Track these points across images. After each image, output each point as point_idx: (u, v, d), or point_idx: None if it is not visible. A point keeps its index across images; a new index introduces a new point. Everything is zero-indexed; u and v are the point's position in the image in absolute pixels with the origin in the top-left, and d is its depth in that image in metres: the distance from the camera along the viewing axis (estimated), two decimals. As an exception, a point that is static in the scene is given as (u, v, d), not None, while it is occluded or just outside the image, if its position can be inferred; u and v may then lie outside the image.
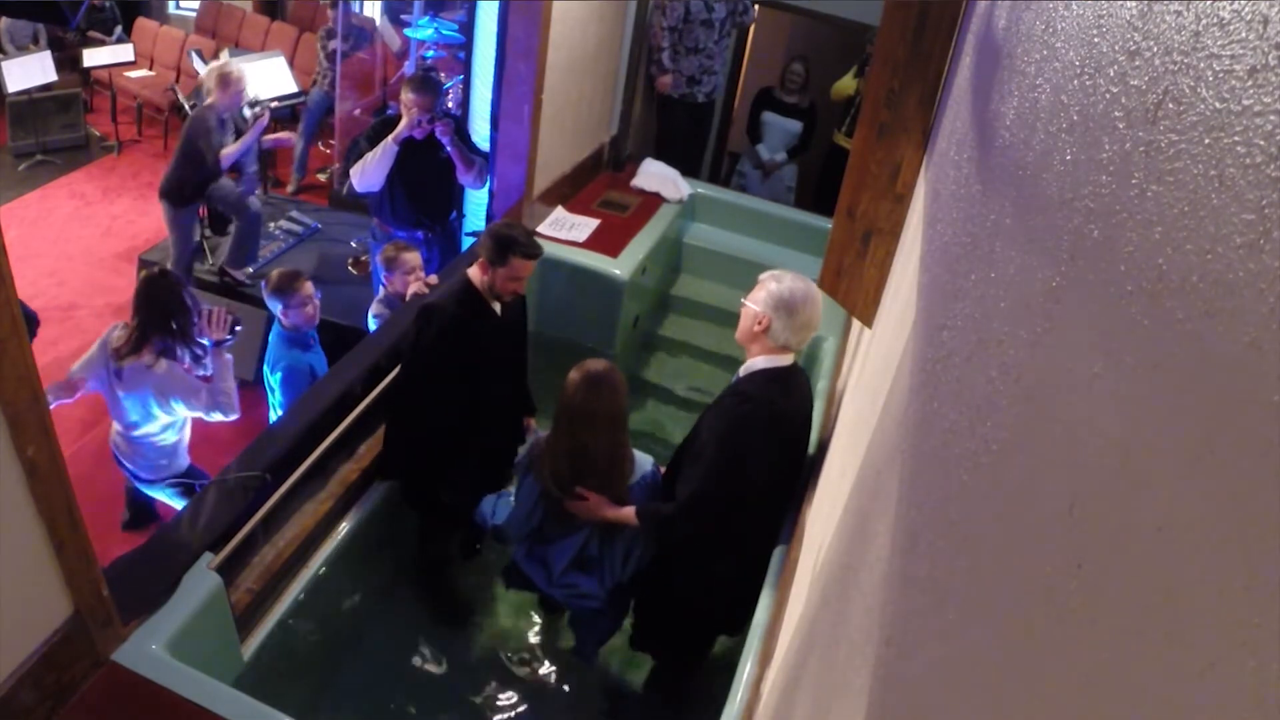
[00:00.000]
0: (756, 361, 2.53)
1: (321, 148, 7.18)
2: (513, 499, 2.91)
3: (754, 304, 2.53)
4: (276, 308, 3.33)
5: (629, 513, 2.57)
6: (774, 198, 5.69)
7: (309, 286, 3.34)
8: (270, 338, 3.44)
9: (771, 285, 2.51)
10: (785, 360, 2.53)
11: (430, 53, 5.91)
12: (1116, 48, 0.58)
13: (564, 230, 4.43)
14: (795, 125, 5.89)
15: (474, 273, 2.88)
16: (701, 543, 2.58)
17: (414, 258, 3.66)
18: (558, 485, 2.62)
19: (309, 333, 3.44)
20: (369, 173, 3.96)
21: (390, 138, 3.85)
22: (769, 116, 5.94)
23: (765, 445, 2.46)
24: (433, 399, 2.90)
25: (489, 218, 4.43)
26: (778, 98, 5.94)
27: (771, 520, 2.63)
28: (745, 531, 2.58)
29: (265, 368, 3.44)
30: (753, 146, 6.10)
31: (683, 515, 2.49)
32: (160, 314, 2.99)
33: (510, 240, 2.79)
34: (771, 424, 2.46)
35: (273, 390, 3.42)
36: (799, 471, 2.69)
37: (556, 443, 2.61)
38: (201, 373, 3.11)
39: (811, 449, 2.79)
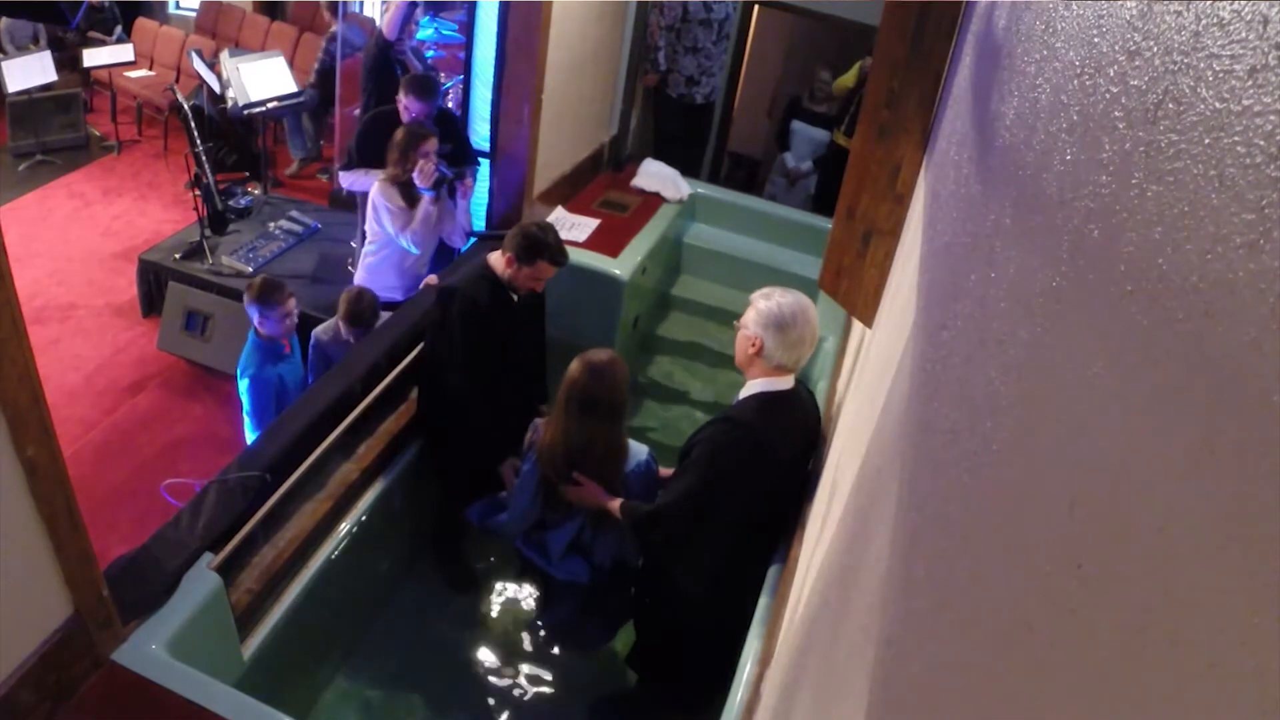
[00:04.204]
0: (753, 385, 2.48)
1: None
2: (505, 496, 2.98)
3: (744, 326, 2.47)
4: (254, 315, 3.30)
5: (615, 505, 2.62)
6: (801, 206, 5.73)
7: (291, 302, 3.31)
8: (246, 344, 3.40)
9: (760, 304, 2.44)
10: (783, 383, 2.46)
11: (430, 53, 5.91)
12: (1116, 48, 0.58)
13: (564, 230, 4.42)
14: (822, 134, 5.91)
15: (495, 261, 2.95)
16: (682, 552, 2.58)
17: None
18: (554, 469, 2.68)
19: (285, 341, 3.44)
20: (357, 185, 4.15)
21: (376, 179, 3.97)
22: (797, 125, 5.97)
23: (748, 476, 2.42)
24: (450, 379, 2.98)
25: (489, 218, 4.44)
26: (806, 107, 5.97)
27: (766, 541, 2.59)
28: (732, 550, 2.54)
29: (237, 372, 3.43)
30: (780, 155, 6.12)
31: (651, 520, 2.54)
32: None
33: (541, 245, 2.88)
34: (756, 456, 2.41)
35: (242, 395, 3.42)
36: (796, 495, 2.62)
37: (557, 428, 2.66)
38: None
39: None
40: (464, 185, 3.85)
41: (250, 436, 3.45)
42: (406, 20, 4.69)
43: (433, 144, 3.68)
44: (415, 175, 3.63)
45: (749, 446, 2.41)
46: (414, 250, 3.77)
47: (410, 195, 3.70)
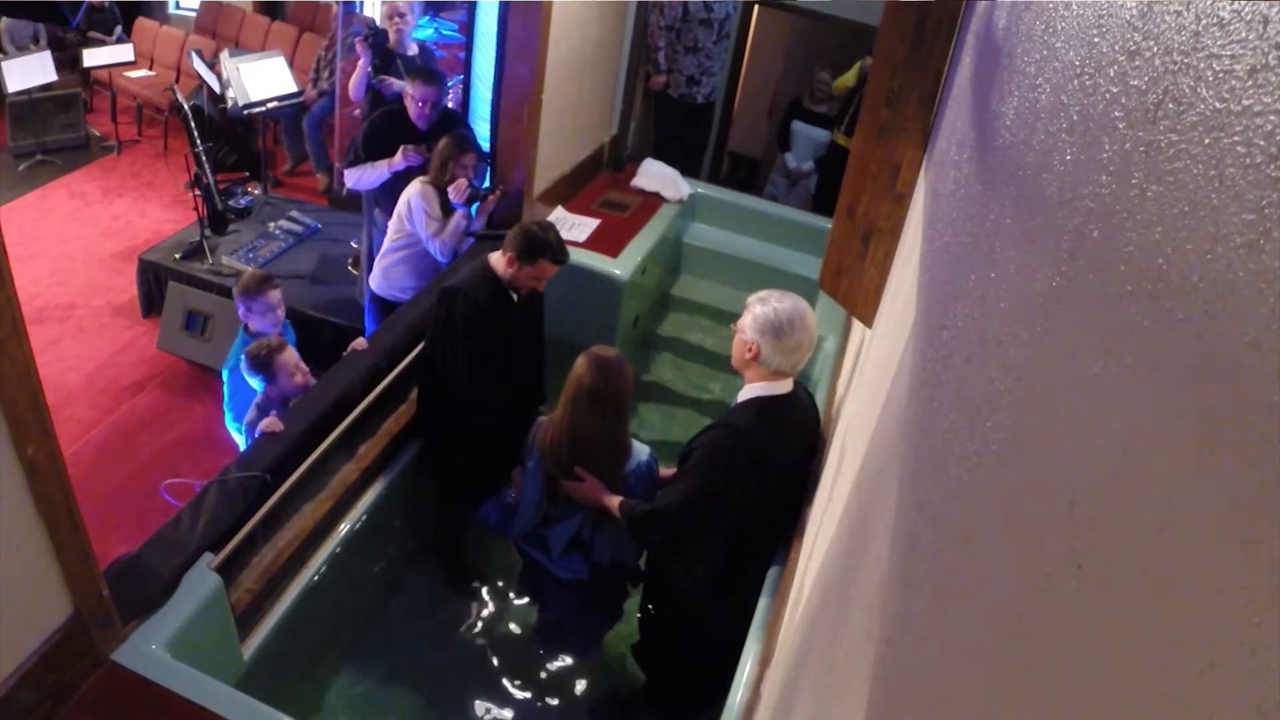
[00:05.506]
0: (750, 389, 2.47)
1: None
2: (510, 498, 2.98)
3: (741, 331, 2.45)
4: (240, 308, 3.28)
5: (614, 502, 2.63)
6: (802, 206, 5.73)
7: (277, 294, 3.29)
8: (237, 340, 3.39)
9: (757, 309, 2.42)
10: (781, 387, 2.45)
11: (434, 53, 5.92)
12: (1116, 48, 0.58)
13: (564, 230, 4.41)
14: (823, 134, 5.92)
15: (496, 261, 2.95)
16: (681, 554, 2.59)
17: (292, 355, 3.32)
18: (556, 463, 2.68)
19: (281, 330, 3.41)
20: (364, 182, 4.15)
21: (386, 165, 4.00)
22: (797, 126, 5.98)
23: (747, 480, 2.42)
24: (451, 379, 2.98)
25: (489, 218, 4.43)
26: (806, 107, 5.98)
27: (765, 543, 2.59)
28: (731, 552, 2.55)
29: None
30: (781, 155, 6.13)
31: (649, 521, 2.54)
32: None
33: (543, 244, 2.87)
34: (754, 460, 2.41)
35: (224, 386, 3.42)
36: (795, 497, 2.61)
37: (561, 422, 2.67)
38: None
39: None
40: (485, 203, 3.86)
41: (230, 425, 3.44)
42: (367, 83, 4.69)
43: (471, 158, 3.72)
44: (450, 190, 3.65)
45: (747, 451, 2.41)
46: (441, 259, 3.78)
47: (448, 205, 3.72)
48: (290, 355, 3.12)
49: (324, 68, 6.70)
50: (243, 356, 3.14)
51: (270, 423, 2.86)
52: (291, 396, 3.13)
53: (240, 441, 3.30)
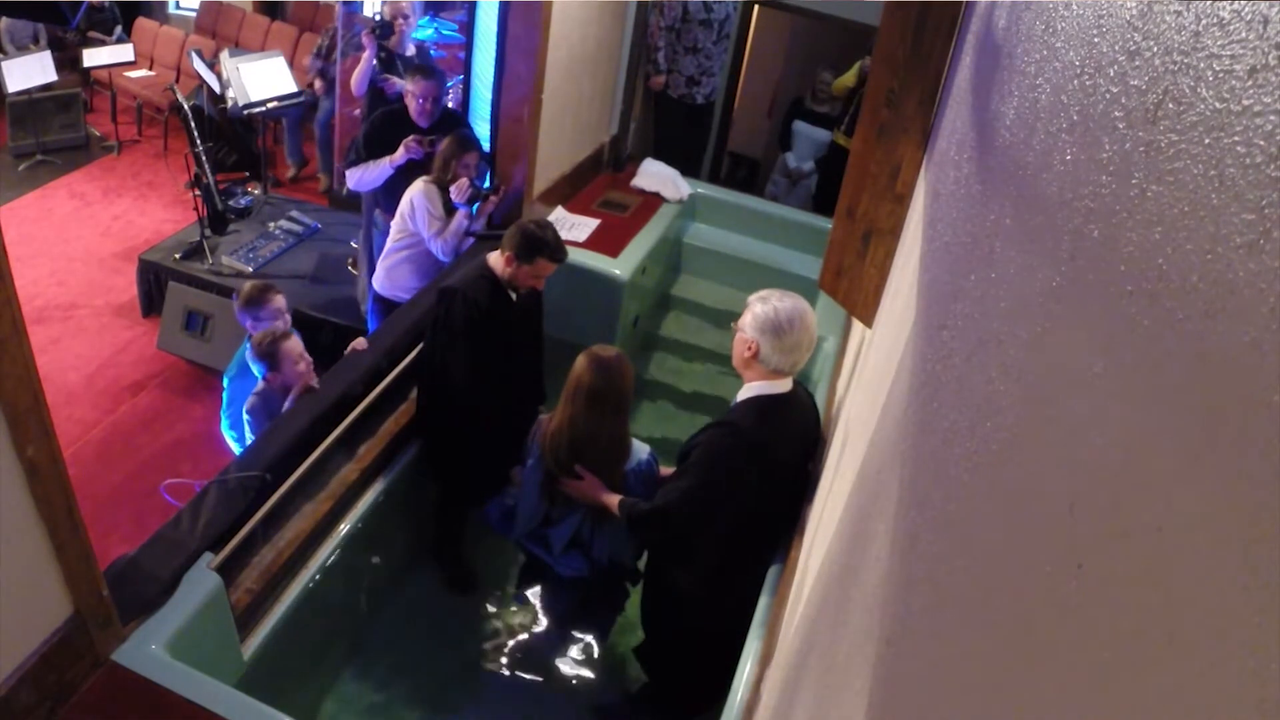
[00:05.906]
0: (750, 388, 2.48)
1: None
2: (511, 498, 2.98)
3: (741, 329, 2.46)
4: (246, 321, 3.26)
5: (613, 500, 2.63)
6: (802, 206, 5.74)
7: (280, 299, 3.28)
8: (241, 348, 3.38)
9: (757, 308, 2.43)
10: (780, 386, 2.46)
11: (430, 53, 5.92)
12: (1116, 48, 0.58)
13: (564, 230, 4.42)
14: (824, 134, 5.92)
15: (495, 261, 2.95)
16: (681, 553, 2.59)
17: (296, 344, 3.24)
18: (556, 462, 2.68)
19: None
20: (365, 181, 4.14)
21: (388, 161, 4.00)
22: (799, 126, 5.99)
23: (746, 478, 2.42)
24: (450, 379, 2.98)
25: (489, 218, 4.43)
26: (808, 107, 5.98)
27: (765, 542, 2.59)
28: (731, 551, 2.55)
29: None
30: (781, 155, 6.14)
31: (648, 519, 2.55)
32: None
33: (540, 242, 2.87)
34: (753, 458, 2.41)
35: (224, 390, 3.41)
36: (795, 496, 2.61)
37: (561, 421, 2.68)
38: None
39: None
40: (484, 204, 3.86)
41: (226, 433, 3.44)
42: (370, 78, 4.69)
43: (474, 158, 3.72)
44: (452, 189, 3.65)
45: (747, 450, 2.41)
46: (443, 258, 3.79)
47: (450, 204, 3.73)
48: (295, 344, 3.15)
49: (324, 54, 6.65)
50: (248, 345, 3.16)
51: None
52: (293, 385, 3.15)
53: (235, 449, 3.31)
